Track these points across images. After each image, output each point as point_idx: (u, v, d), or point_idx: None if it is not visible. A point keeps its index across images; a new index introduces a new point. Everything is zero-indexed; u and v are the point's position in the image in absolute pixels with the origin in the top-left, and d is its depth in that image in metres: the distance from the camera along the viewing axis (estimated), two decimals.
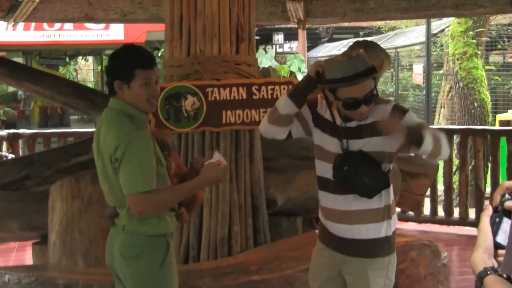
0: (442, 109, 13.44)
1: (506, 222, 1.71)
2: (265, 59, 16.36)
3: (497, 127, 11.05)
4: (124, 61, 3.07)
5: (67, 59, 19.95)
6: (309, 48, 24.17)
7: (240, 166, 4.79)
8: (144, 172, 2.95)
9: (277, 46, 21.25)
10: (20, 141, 8.14)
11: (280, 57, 19.88)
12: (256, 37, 18.15)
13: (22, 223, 5.42)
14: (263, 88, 4.72)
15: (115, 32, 18.93)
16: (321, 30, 20.53)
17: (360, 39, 9.45)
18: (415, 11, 7.35)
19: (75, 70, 27.00)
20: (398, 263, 4.52)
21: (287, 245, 4.80)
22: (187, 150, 4.76)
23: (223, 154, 4.69)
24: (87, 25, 18.46)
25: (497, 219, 1.73)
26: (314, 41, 22.11)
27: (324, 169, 3.13)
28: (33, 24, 18.29)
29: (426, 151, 2.89)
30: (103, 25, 18.93)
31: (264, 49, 17.06)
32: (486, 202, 1.88)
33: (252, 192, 4.88)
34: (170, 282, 3.15)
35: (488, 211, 1.77)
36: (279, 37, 21.40)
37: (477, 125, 10.35)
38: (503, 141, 7.57)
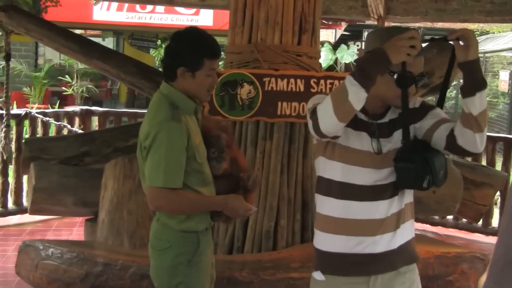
0: None
1: None
2: (346, 54, 16.13)
3: None
4: (192, 48, 2.94)
5: (159, 42, 20.17)
6: None
7: (292, 160, 4.68)
8: (168, 166, 2.83)
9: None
10: (92, 118, 8.26)
11: None
12: (346, 33, 18.03)
13: (76, 199, 5.48)
14: (322, 82, 4.60)
15: (205, 18, 19.08)
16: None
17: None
18: (499, 14, 7.03)
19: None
20: (447, 273, 4.37)
21: None
22: (240, 139, 4.69)
23: (276, 146, 4.60)
24: (178, 9, 18.72)
25: None
26: None
27: (354, 174, 2.62)
28: (126, 5, 18.70)
29: (476, 109, 2.45)
30: (193, 10, 19.14)
31: (347, 45, 16.77)
32: None
33: (303, 187, 4.77)
34: (197, 281, 3.02)
35: None
36: None
37: None
38: None
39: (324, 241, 2.72)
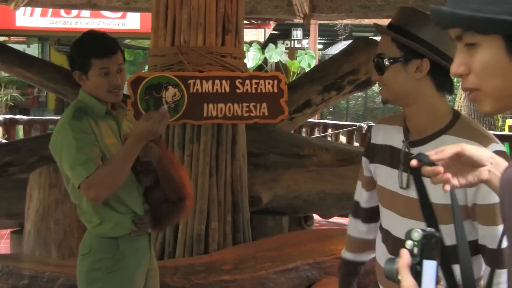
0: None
1: (428, 265, 1.28)
2: (274, 53, 16.20)
3: (504, 132, 10.83)
4: (80, 51, 2.96)
5: None
6: (327, 45, 23.98)
7: (221, 162, 4.65)
8: (82, 157, 2.78)
9: (295, 41, 21.08)
10: (16, 127, 8.07)
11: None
12: (275, 32, 18.12)
13: (0, 210, 5.33)
14: (247, 82, 4.57)
15: (132, 21, 18.89)
16: (339, 27, 20.29)
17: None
18: (422, 10, 7.15)
19: None
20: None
21: (265, 244, 4.66)
22: (168, 143, 4.63)
23: (204, 148, 4.56)
24: (104, 13, 18.47)
25: (418, 267, 1.28)
26: (331, 38, 21.89)
27: (388, 220, 2.26)
28: (50, 10, 18.35)
29: None
30: (119, 14, 18.91)
31: (276, 44, 16.88)
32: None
33: (233, 189, 4.74)
34: None
35: (405, 260, 1.27)
36: (297, 33, 21.22)
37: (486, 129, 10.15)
38: (506, 146, 7.37)
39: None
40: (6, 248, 6.10)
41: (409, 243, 1.28)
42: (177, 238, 4.61)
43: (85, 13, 18.60)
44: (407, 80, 2.09)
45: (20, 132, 8.52)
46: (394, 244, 2.17)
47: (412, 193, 1.98)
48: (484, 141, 1.99)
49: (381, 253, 2.30)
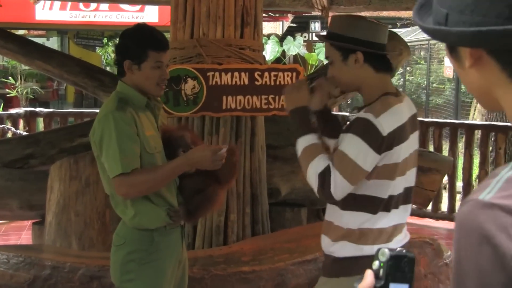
0: (478, 104, 13.13)
1: None
2: (293, 46, 16.15)
3: None
4: (137, 41, 2.96)
5: (105, 40, 19.92)
6: None
7: (239, 154, 4.66)
8: (122, 152, 2.82)
9: (314, 34, 21.00)
10: (37, 119, 8.13)
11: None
12: (293, 25, 18.04)
13: (22, 202, 5.38)
14: (266, 74, 4.59)
15: (150, 15, 18.90)
16: None
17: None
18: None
19: (113, 52, 26.98)
20: None
21: (284, 236, 4.69)
22: None
23: (223, 140, 4.58)
24: (122, 6, 18.51)
25: None
26: None
27: (396, 186, 2.62)
28: (69, 3, 18.43)
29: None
30: (138, 7, 18.96)
31: (294, 37, 16.83)
32: None
33: (252, 181, 4.76)
34: (149, 281, 2.98)
35: (366, 284, 1.16)
36: (315, 26, 21.13)
37: (505, 121, 10.08)
38: None
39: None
40: (28, 239, 6.17)
41: (375, 264, 1.17)
42: (196, 229, 4.65)
43: (104, 6, 18.67)
44: (350, 71, 2.63)
45: (40, 125, 8.58)
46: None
47: None
48: (372, 111, 2.51)
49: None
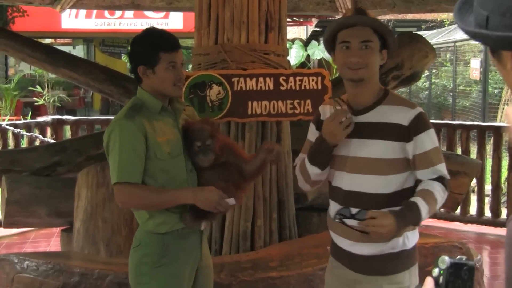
0: (505, 106, 12.99)
1: None
2: (317, 50, 16.11)
3: None
4: (148, 45, 2.98)
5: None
6: None
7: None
8: (122, 161, 2.87)
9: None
10: (64, 127, 8.19)
11: None
12: (317, 29, 17.96)
13: (50, 209, 5.44)
14: (291, 79, 4.57)
15: (175, 21, 19.05)
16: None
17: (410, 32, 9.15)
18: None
19: None
20: (427, 264, 4.36)
21: (311, 241, 4.66)
22: None
23: (248, 145, 4.57)
24: (147, 13, 18.69)
25: None
26: None
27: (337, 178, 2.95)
28: (94, 12, 18.61)
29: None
30: (162, 14, 19.10)
31: (318, 41, 16.78)
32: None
33: (278, 186, 4.75)
34: (160, 285, 2.99)
35: None
36: None
37: None
38: None
39: None
40: (57, 246, 6.21)
41: (435, 271, 1.18)
42: (223, 235, 4.64)
43: (129, 14, 18.84)
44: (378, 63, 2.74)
45: (68, 132, 8.65)
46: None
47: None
48: (411, 105, 2.71)
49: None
